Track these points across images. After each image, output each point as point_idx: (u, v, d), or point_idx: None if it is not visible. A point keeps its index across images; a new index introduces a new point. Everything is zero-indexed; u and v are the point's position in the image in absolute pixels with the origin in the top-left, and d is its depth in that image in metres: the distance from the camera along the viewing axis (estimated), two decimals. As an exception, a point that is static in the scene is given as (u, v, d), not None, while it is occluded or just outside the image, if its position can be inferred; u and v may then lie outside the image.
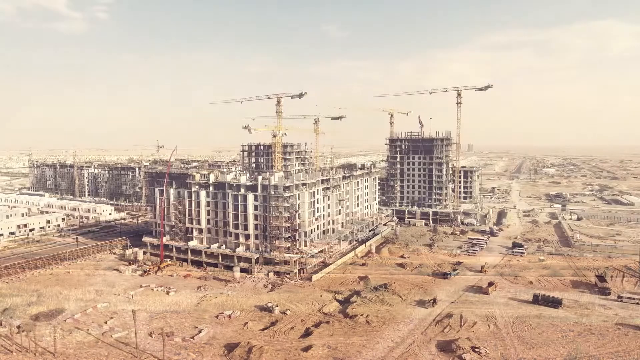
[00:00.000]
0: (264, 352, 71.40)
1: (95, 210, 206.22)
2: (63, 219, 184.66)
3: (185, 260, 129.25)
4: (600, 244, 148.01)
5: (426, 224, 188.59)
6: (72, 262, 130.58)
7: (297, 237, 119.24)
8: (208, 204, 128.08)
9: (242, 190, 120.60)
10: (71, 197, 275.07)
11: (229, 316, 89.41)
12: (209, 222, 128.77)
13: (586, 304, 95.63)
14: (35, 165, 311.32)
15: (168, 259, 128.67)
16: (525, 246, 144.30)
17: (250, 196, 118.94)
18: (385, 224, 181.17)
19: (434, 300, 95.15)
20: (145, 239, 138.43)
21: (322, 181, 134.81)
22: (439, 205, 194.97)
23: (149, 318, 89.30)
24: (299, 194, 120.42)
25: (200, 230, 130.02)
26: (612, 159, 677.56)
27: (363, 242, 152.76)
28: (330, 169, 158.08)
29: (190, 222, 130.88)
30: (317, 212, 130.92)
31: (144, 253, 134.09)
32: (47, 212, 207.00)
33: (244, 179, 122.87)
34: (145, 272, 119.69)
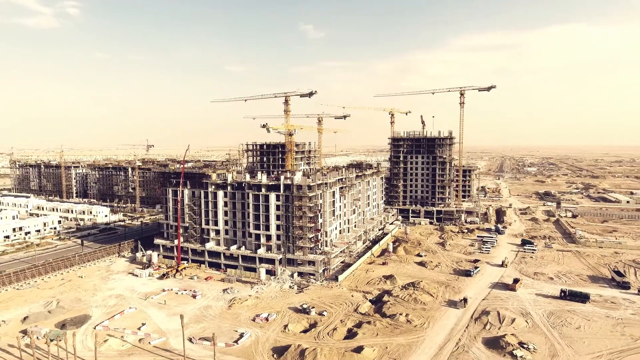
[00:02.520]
0: (317, 354, 70.11)
1: (91, 212, 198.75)
2: (59, 222, 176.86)
3: (202, 262, 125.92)
4: (605, 240, 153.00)
5: (431, 223, 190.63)
6: (81, 266, 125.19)
7: (319, 237, 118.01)
8: (226, 204, 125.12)
9: (264, 190, 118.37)
10: (58, 198, 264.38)
11: (266, 319, 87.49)
12: (226, 223, 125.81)
13: (610, 298, 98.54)
14: (17, 166, 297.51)
15: (185, 262, 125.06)
16: (534, 243, 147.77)
17: (272, 196, 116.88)
18: (391, 223, 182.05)
19: (465, 300, 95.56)
20: (157, 241, 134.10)
21: (338, 181, 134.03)
22: (441, 204, 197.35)
23: (185, 323, 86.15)
24: (320, 194, 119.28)
25: (217, 232, 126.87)
26: (586, 159, 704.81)
27: (375, 241, 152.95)
28: (343, 168, 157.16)
29: (207, 223, 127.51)
30: (336, 212, 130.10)
31: (157, 256, 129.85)
32: (37, 215, 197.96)
33: (264, 179, 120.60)
34: (164, 275, 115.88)
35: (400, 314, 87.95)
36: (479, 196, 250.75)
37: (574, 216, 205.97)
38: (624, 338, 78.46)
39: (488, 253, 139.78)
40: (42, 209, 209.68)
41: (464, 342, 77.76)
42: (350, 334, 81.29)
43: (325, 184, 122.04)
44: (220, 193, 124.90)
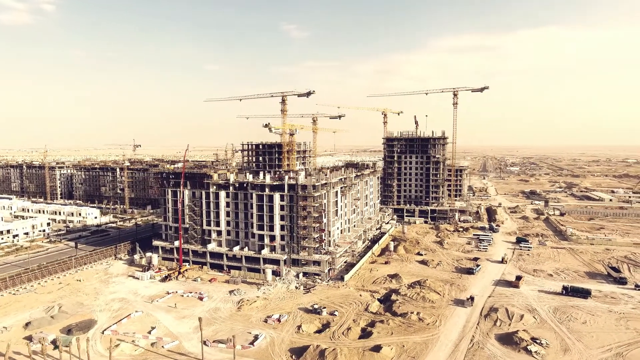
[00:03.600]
0: (337, 354, 70.02)
1: (80, 214, 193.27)
2: (48, 224, 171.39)
3: (203, 264, 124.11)
4: (595, 237, 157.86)
5: (425, 222, 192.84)
6: (78, 269, 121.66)
7: (323, 237, 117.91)
8: (228, 204, 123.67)
9: (267, 190, 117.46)
10: (42, 200, 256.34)
11: (278, 320, 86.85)
12: (228, 223, 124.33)
13: (610, 294, 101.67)
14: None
15: (186, 263, 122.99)
16: (529, 241, 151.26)
17: (277, 196, 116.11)
18: (387, 223, 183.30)
19: (472, 298, 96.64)
20: (156, 242, 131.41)
21: (340, 180, 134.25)
22: (435, 203, 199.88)
23: (195, 326, 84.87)
24: (324, 194, 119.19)
25: (219, 233, 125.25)
26: (565, 158, 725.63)
27: (374, 241, 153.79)
28: (343, 168, 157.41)
29: (208, 224, 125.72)
30: (339, 211, 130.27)
31: (157, 258, 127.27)
32: (22, 217, 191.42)
33: (268, 179, 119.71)
34: (166, 277, 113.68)
35: (412, 313, 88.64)
36: (469, 195, 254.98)
37: (562, 214, 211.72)
38: (629, 332, 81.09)
39: (486, 251, 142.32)
40: (28, 210, 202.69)
41: (478, 339, 78.98)
42: (365, 334, 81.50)
43: (329, 183, 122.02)
44: (222, 193, 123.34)
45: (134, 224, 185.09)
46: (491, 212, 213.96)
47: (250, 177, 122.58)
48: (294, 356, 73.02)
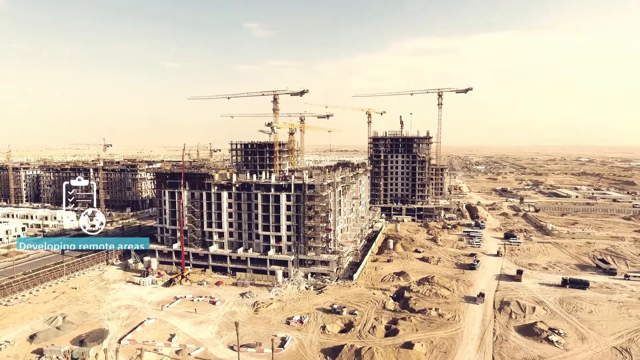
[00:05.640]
0: (374, 353, 70.14)
1: (55, 217, 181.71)
2: (23, 229, 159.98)
3: (205, 267, 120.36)
4: (576, 231, 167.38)
5: (413, 220, 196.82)
6: (69, 276, 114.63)
7: (330, 237, 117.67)
8: (230, 205, 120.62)
9: (273, 190, 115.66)
10: (5, 203, 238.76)
11: (300, 321, 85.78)
12: (230, 224, 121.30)
13: (604, 284, 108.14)
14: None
15: (187, 267, 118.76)
16: (517, 236, 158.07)
17: (283, 196, 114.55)
18: (377, 221, 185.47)
19: (482, 295, 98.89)
20: (153, 246, 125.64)
21: (342, 180, 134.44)
22: (421, 201, 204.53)
23: (216, 331, 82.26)
24: (330, 193, 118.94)
25: (221, 234, 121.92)
26: (524, 157, 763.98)
27: (369, 239, 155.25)
28: (340, 167, 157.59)
29: (209, 226, 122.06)
30: (342, 211, 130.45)
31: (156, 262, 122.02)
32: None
33: (273, 179, 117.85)
34: (170, 282, 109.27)
35: (430, 309, 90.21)
36: (449, 194, 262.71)
37: (537, 210, 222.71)
38: (632, 319, 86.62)
39: (479, 247, 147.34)
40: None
41: (500, 332, 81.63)
42: (390, 331, 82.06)
43: (334, 183, 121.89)
44: (225, 194, 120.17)
45: (120, 227, 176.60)
46: (472, 210, 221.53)
47: (254, 177, 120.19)
48: (328, 357, 72.41)
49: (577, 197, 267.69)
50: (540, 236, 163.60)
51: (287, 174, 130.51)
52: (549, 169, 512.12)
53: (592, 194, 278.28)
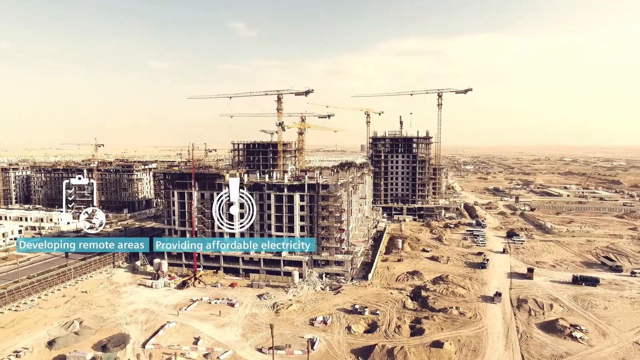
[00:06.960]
0: (407, 352, 70.22)
1: (51, 219, 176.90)
2: (20, 231, 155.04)
3: (217, 269, 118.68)
4: (575, 229, 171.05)
5: (414, 219, 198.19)
6: (77, 280, 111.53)
7: (343, 237, 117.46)
8: (242, 206, 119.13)
9: (286, 190, 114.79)
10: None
11: (324, 322, 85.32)
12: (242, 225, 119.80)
13: (612, 281, 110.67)
14: None
15: (199, 269, 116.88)
16: (519, 235, 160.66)
17: (297, 196, 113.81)
18: (379, 221, 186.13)
19: (499, 294, 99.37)
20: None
21: (352, 180, 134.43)
22: (421, 201, 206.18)
23: (241, 334, 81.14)
24: (343, 193, 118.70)
25: (232, 235, 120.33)
26: (509, 157, 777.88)
27: (375, 239, 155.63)
28: (348, 167, 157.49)
29: (220, 227, 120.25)
30: (353, 210, 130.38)
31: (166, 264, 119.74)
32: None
33: (286, 179, 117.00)
34: (183, 284, 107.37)
35: (451, 307, 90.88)
36: (446, 193, 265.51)
37: (532, 209, 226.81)
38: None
39: (484, 245, 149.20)
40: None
41: (523, 329, 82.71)
42: (415, 330, 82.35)
43: (346, 183, 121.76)
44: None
45: (120, 229, 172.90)
46: (469, 209, 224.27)
47: (267, 178, 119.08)
48: (359, 357, 72.16)
49: (568, 195, 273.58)
50: (541, 235, 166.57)
51: (289, 173, 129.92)
52: (535, 168, 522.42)
53: (583, 192, 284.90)
